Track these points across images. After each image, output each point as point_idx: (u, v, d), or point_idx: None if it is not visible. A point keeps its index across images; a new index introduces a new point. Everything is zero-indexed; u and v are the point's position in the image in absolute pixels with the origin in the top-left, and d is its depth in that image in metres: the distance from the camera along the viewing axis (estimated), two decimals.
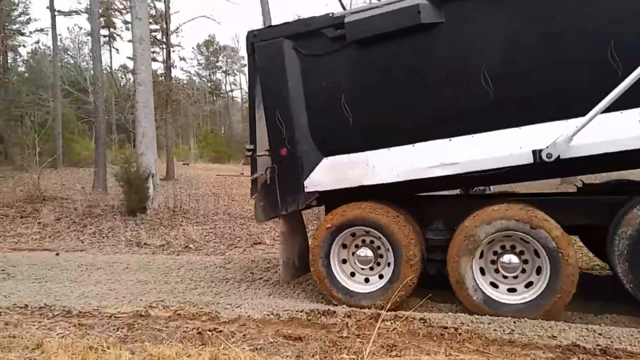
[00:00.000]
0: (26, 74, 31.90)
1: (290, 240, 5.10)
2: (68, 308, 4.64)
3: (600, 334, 3.52)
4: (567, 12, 3.85)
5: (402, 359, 3.12)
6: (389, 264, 4.52)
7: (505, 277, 4.16)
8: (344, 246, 4.74)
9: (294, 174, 4.76)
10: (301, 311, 4.29)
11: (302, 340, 3.63)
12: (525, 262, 4.12)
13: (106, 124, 23.52)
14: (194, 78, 49.13)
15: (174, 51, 25.80)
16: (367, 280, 4.67)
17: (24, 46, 28.48)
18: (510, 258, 4.13)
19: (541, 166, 3.87)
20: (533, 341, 3.47)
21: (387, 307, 4.03)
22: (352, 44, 4.50)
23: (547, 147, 3.79)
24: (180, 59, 44.14)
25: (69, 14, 27.68)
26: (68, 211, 10.78)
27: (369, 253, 4.63)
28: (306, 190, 4.72)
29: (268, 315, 4.25)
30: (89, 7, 20.50)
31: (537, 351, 3.29)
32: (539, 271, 4.04)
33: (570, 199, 4.69)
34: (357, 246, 4.72)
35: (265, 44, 4.89)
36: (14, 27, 28.53)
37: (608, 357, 3.16)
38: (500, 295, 4.12)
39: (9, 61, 29.58)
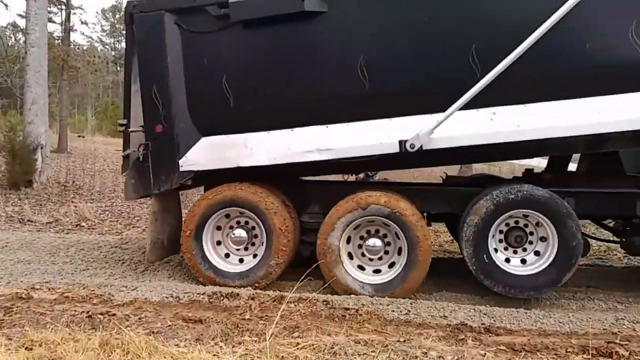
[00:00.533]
0: None
1: (161, 220, 5.05)
2: None
3: (485, 314, 3.83)
4: (435, 14, 4.18)
5: (304, 340, 3.13)
6: (262, 244, 4.60)
7: (370, 259, 4.50)
8: (218, 228, 4.75)
9: (169, 152, 4.68)
10: (203, 294, 4.16)
11: (202, 323, 3.52)
12: (388, 244, 4.50)
13: None
14: (96, 45, 45.52)
15: (74, 13, 23.57)
16: (241, 260, 4.73)
17: None
18: (375, 241, 4.46)
19: (407, 155, 4.17)
20: (426, 321, 3.68)
21: (260, 286, 4.37)
22: (235, 25, 4.47)
23: (411, 138, 4.10)
24: (82, 23, 40.60)
25: None
26: None
27: (243, 234, 4.65)
28: (181, 169, 4.66)
29: (167, 297, 4.07)
30: None
31: (430, 330, 3.50)
32: (399, 252, 4.43)
33: (433, 189, 5.15)
34: (231, 227, 4.74)
35: (145, 15, 4.74)
36: None
37: (491, 334, 3.45)
38: (365, 277, 4.44)
39: None
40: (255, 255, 4.66)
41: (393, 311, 3.83)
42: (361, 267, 4.51)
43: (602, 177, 4.82)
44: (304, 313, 3.75)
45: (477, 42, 4.04)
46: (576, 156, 5.61)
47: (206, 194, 4.71)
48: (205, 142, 4.66)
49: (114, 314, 3.63)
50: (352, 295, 4.20)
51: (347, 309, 3.83)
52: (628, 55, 3.87)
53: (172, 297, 4.09)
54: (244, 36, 4.51)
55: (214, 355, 2.79)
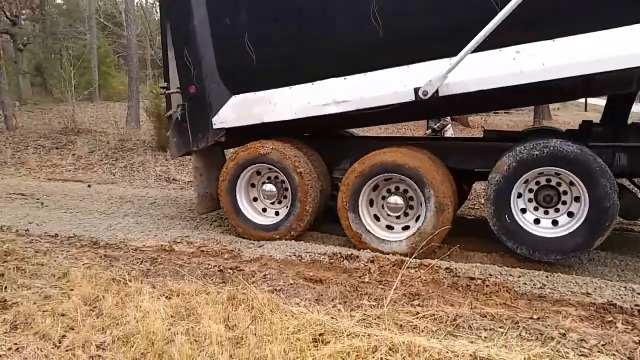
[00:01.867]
0: (64, 7, 31.81)
1: (206, 175, 5.17)
2: (96, 239, 4.72)
3: (639, 294, 3.30)
4: None
5: (425, 309, 3.00)
6: (289, 199, 4.76)
7: (393, 216, 4.47)
8: (253, 185, 5.00)
9: (203, 112, 4.86)
10: (324, 254, 4.21)
11: (322, 284, 3.56)
12: (411, 199, 4.40)
13: (141, 59, 23.43)
14: None
15: None
16: (277, 213, 4.93)
17: None
18: (396, 199, 4.39)
19: (424, 104, 3.96)
20: (565, 298, 3.29)
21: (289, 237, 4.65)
22: None
23: (424, 85, 3.87)
24: None
25: None
26: (101, 144, 10.94)
27: (272, 188, 4.85)
28: (214, 127, 4.83)
29: (290, 256, 4.20)
30: None
31: (569, 308, 3.11)
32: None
33: (466, 145, 4.92)
34: (264, 183, 4.94)
35: None
36: None
37: None
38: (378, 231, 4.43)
39: None
40: (286, 208, 4.81)
41: (525, 284, 3.49)
42: (390, 227, 4.49)
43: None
44: (425, 280, 3.59)
45: None
46: None
47: (232, 154, 4.90)
48: (235, 100, 4.77)
49: (242, 270, 3.85)
50: (479, 264, 3.92)
51: (472, 278, 3.59)
52: None
53: (295, 256, 4.21)
54: None
55: (332, 318, 2.79)
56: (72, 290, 3.28)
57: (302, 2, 4.44)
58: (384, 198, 4.49)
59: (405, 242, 4.26)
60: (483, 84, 3.80)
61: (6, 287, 3.37)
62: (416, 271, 3.75)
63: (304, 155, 4.73)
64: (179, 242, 4.66)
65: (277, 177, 4.86)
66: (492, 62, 3.75)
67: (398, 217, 4.46)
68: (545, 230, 4.01)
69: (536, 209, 4.08)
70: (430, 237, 4.12)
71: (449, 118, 7.67)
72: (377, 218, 4.52)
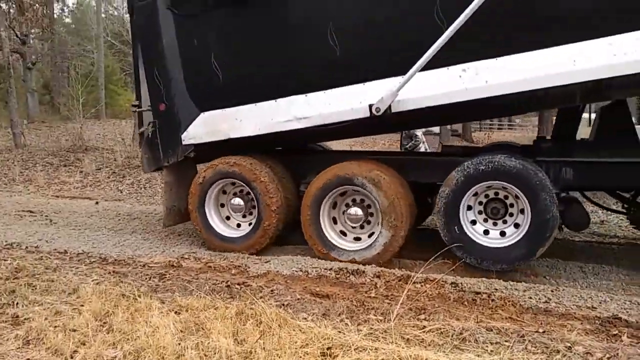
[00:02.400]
0: (72, 25, 32.38)
1: (176, 190, 5.33)
2: (104, 255, 4.78)
3: None
4: None
5: (431, 323, 3.03)
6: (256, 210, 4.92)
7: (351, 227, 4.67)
8: (224, 192, 5.15)
9: (173, 128, 5.05)
10: (330, 269, 4.25)
11: (329, 299, 3.60)
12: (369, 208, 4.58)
13: None
14: None
15: None
16: (238, 225, 5.12)
17: None
18: (356, 210, 4.58)
19: (378, 120, 4.12)
20: (570, 311, 3.32)
21: (253, 252, 4.81)
22: (215, 5, 4.72)
23: (376, 102, 4.05)
24: None
25: None
26: (108, 161, 11.07)
27: (241, 202, 5.02)
28: (183, 143, 5.03)
29: (297, 271, 4.24)
30: None
31: (574, 322, 3.14)
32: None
33: (423, 159, 5.14)
34: (234, 194, 5.12)
35: (142, 4, 5.11)
36: None
37: None
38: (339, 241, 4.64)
39: (56, 13, 30.04)
40: (250, 224, 5.00)
41: (530, 298, 3.52)
42: (343, 233, 4.69)
43: (609, 146, 4.36)
44: (430, 294, 3.62)
45: None
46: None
47: (200, 170, 5.08)
48: (203, 117, 4.96)
49: (249, 285, 3.89)
50: (484, 279, 3.95)
51: (477, 292, 3.62)
52: None
53: (301, 271, 4.25)
54: (224, 15, 4.72)
55: (339, 332, 2.83)
56: (82, 305, 3.33)
57: (264, 24, 4.60)
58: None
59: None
60: (432, 101, 4.00)
61: (17, 303, 3.43)
62: (422, 285, 3.78)
63: (268, 168, 4.87)
64: (186, 258, 4.71)
65: (242, 191, 5.06)
66: (440, 80, 3.95)
67: (361, 227, 4.65)
68: (491, 240, 4.20)
69: (485, 220, 4.27)
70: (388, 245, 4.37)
71: (420, 136, 7.87)
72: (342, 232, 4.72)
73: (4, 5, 18.03)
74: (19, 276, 4.00)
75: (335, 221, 4.71)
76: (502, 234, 4.21)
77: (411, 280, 3.68)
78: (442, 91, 3.95)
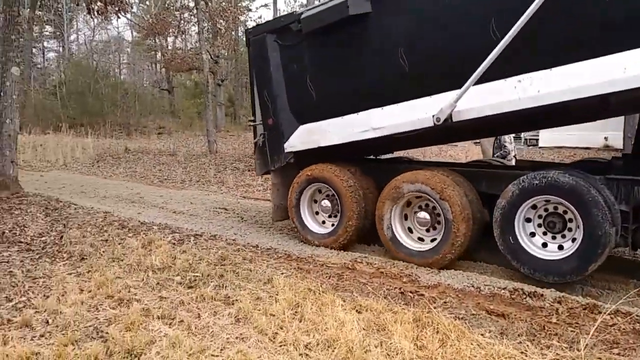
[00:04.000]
0: None
1: (281, 190, 6.23)
2: (288, 253, 5.37)
3: None
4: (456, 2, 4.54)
5: (627, 359, 2.80)
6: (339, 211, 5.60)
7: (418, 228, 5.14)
8: (315, 200, 5.94)
9: (278, 138, 5.98)
10: (504, 288, 4.16)
11: (505, 318, 3.55)
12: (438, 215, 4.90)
13: None
14: None
15: None
16: (323, 222, 5.91)
17: (251, 21, 32.48)
18: (425, 214, 5.03)
19: (441, 129, 4.56)
20: None
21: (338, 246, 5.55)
22: (308, 35, 5.51)
23: (437, 112, 4.46)
24: None
25: None
26: None
27: (327, 203, 5.78)
28: (285, 151, 5.92)
29: (468, 286, 4.24)
30: None
31: None
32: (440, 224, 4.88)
33: (489, 172, 5.36)
34: (324, 198, 5.85)
35: (255, 38, 6.19)
36: (244, 4, 32.53)
37: None
38: (406, 241, 5.10)
39: (239, 34, 34.13)
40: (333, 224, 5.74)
41: None
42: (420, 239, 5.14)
43: None
44: (623, 329, 3.32)
45: (495, 15, 4.18)
46: None
47: (302, 172, 5.85)
48: (301, 129, 5.82)
49: (421, 294, 4.03)
50: None
51: None
52: None
53: (473, 287, 4.24)
54: (315, 42, 5.54)
55: (522, 352, 2.80)
56: (277, 294, 3.84)
57: (346, 50, 5.33)
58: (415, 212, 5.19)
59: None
60: (490, 110, 4.31)
61: (226, 286, 4.09)
62: (612, 317, 3.49)
63: (350, 174, 5.53)
64: (359, 262, 5.04)
65: (328, 194, 5.78)
66: (497, 91, 4.24)
67: (427, 230, 5.09)
68: (546, 253, 4.33)
69: (545, 233, 4.40)
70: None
71: (510, 146, 7.90)
72: (410, 230, 5.21)
73: (205, 33, 21.10)
74: (225, 264, 4.74)
75: (406, 219, 5.23)
76: (560, 247, 4.30)
77: (603, 314, 3.42)
78: (499, 100, 4.24)
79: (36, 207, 7.49)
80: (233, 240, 5.91)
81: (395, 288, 4.19)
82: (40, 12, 23.77)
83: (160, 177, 12.92)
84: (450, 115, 4.42)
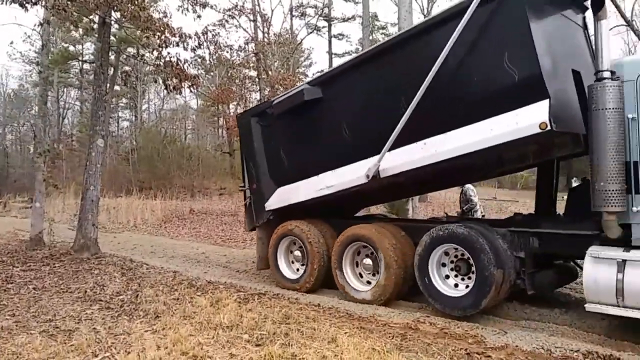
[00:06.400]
0: None
1: (265, 243, 7.37)
2: (350, 312, 5.43)
3: None
4: (378, 86, 5.95)
5: None
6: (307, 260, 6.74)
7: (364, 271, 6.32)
8: (291, 250, 7.10)
9: (261, 200, 7.30)
10: (576, 351, 4.02)
11: None
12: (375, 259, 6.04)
13: None
14: None
15: None
16: (297, 269, 6.97)
17: None
18: (367, 260, 6.19)
19: (377, 185, 5.89)
20: None
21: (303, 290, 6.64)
22: (279, 116, 7.02)
23: (367, 170, 5.70)
24: None
25: (342, 55, 31.88)
26: None
27: (299, 253, 6.91)
28: (266, 209, 7.22)
29: (538, 348, 4.12)
30: (358, 47, 23.13)
31: None
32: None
33: (420, 225, 6.30)
34: (297, 249, 6.99)
35: (243, 120, 7.91)
36: (300, 70, 34.35)
37: None
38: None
39: None
40: (297, 270, 6.97)
41: None
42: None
43: (560, 218, 5.90)
44: None
45: (405, 95, 5.40)
46: None
47: (278, 227, 7.07)
48: (278, 190, 7.10)
49: (489, 356, 3.96)
50: None
51: None
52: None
53: (543, 349, 4.11)
54: (284, 122, 7.00)
55: None
56: (342, 353, 3.91)
57: (306, 128, 6.69)
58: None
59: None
60: (407, 167, 5.44)
61: (292, 345, 4.21)
62: None
63: (316, 229, 6.70)
64: (421, 322, 5.01)
65: (300, 246, 6.86)
66: (409, 152, 5.41)
67: (373, 274, 6.14)
68: (451, 290, 5.32)
69: (456, 275, 5.38)
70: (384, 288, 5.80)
71: (476, 200, 9.16)
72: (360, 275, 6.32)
73: (265, 99, 22.32)
74: (289, 322, 4.88)
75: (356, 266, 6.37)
76: (466, 287, 5.20)
77: None
78: (411, 159, 5.38)
79: (113, 267, 8.04)
80: (295, 299, 6.06)
81: (461, 349, 4.14)
82: (118, 87, 26.20)
83: (223, 237, 13.44)
84: (378, 172, 5.59)
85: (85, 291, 6.48)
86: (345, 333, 4.55)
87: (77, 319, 5.18)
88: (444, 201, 18.09)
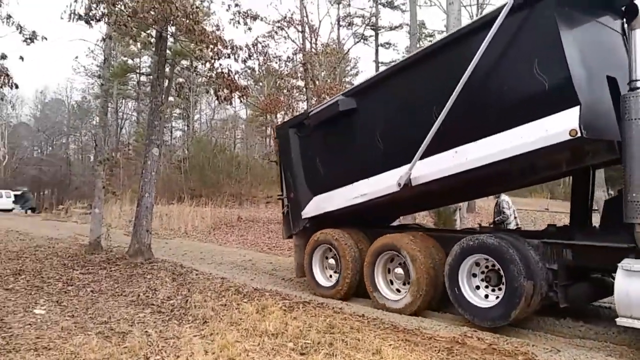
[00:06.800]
0: None
1: (302, 250, 7.48)
2: (395, 324, 5.37)
3: None
4: (410, 96, 6.07)
5: None
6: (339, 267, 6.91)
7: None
8: (326, 257, 7.22)
9: (298, 208, 7.46)
10: None
11: None
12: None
13: None
14: None
15: None
16: (330, 276, 7.14)
17: None
18: (398, 269, 6.23)
19: (409, 194, 5.89)
20: None
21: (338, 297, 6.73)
22: (315, 127, 7.26)
23: (399, 178, 5.76)
24: None
25: (388, 63, 31.76)
26: None
27: (333, 261, 7.05)
28: (302, 217, 7.37)
29: None
30: (405, 55, 22.99)
31: None
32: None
33: (450, 235, 6.39)
34: (331, 257, 7.12)
35: (281, 131, 8.19)
36: (347, 79, 34.49)
37: None
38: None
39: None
40: (331, 276, 7.13)
41: None
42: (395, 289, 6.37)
43: (594, 230, 5.83)
44: None
45: (436, 104, 5.41)
46: None
47: (313, 235, 7.25)
48: (315, 199, 7.30)
49: None
50: None
51: None
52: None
53: None
54: (320, 133, 7.23)
55: None
56: None
57: (342, 137, 6.92)
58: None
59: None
60: (438, 174, 5.47)
61: (336, 355, 4.22)
62: None
63: (350, 237, 6.80)
64: (469, 337, 4.89)
65: (334, 254, 7.02)
66: (440, 160, 5.45)
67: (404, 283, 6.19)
68: (481, 301, 5.29)
69: (487, 286, 5.33)
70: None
71: (508, 212, 8.88)
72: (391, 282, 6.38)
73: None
74: (334, 332, 4.89)
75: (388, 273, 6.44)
76: (497, 297, 5.16)
77: None
78: (443, 167, 5.40)
79: (165, 272, 8.35)
80: (340, 309, 6.06)
81: None
82: (172, 98, 27.29)
83: (270, 245, 13.65)
84: (410, 180, 5.66)
85: (139, 295, 6.76)
86: (390, 345, 4.51)
87: (130, 322, 5.40)
88: (492, 212, 17.53)
